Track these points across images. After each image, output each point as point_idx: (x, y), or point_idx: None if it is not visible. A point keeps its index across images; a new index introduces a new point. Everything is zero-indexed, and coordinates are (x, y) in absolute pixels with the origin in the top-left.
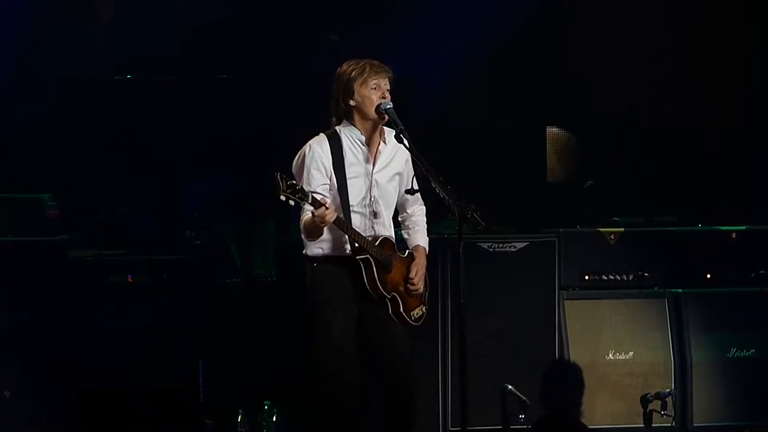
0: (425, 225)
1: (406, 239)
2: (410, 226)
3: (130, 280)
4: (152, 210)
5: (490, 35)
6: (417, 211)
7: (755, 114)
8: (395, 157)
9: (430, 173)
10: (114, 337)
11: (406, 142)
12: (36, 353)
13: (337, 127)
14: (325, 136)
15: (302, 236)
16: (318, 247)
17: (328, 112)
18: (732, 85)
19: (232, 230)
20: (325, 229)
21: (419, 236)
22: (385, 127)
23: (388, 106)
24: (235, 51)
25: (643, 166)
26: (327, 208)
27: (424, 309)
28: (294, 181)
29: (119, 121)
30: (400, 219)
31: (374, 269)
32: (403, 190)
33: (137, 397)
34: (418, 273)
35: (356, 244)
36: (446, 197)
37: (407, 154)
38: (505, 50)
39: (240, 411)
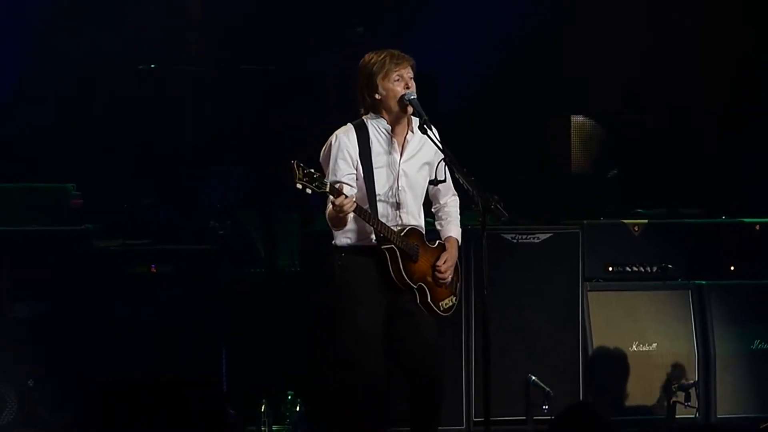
0: (458, 216)
1: (439, 230)
2: (443, 217)
3: (153, 269)
4: (176, 200)
5: (515, 25)
6: (450, 202)
7: None
8: (423, 147)
9: (454, 164)
10: (137, 326)
11: (430, 132)
12: (59, 342)
13: (364, 117)
14: (351, 126)
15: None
16: (346, 237)
17: (353, 103)
18: (760, 71)
19: (255, 220)
20: (351, 219)
21: (451, 227)
22: (414, 117)
23: (412, 97)
24: (262, 42)
25: (669, 157)
26: (346, 197)
27: (454, 300)
28: (312, 170)
29: (143, 111)
30: (433, 210)
31: (399, 259)
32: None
33: (160, 387)
34: (447, 262)
35: (380, 234)
36: (470, 188)
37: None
38: (530, 41)
39: (263, 401)
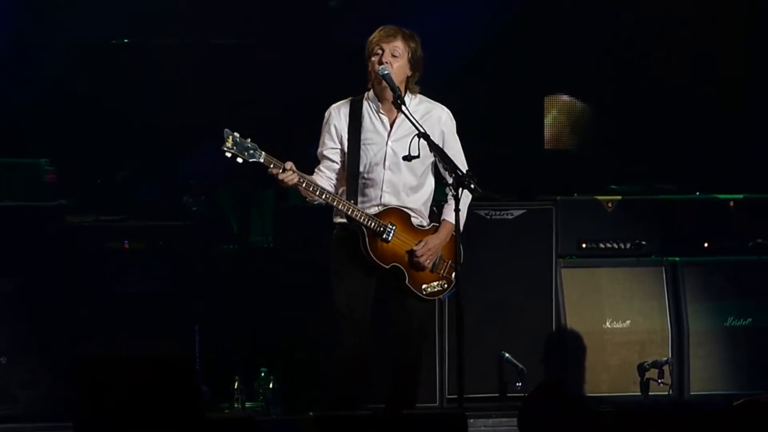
0: (464, 201)
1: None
2: (447, 201)
3: (126, 246)
4: (150, 176)
5: (495, 4)
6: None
7: (758, 81)
8: (418, 127)
9: (428, 140)
10: (111, 302)
11: (404, 108)
12: (33, 319)
13: (366, 93)
14: (348, 101)
15: None
16: (337, 215)
17: (336, 79)
18: (736, 50)
19: (230, 197)
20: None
21: (449, 210)
22: (418, 96)
23: (385, 72)
24: (239, 16)
25: (644, 132)
26: (285, 171)
27: (444, 285)
28: (247, 140)
29: (118, 86)
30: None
31: (366, 237)
32: (430, 161)
33: (133, 363)
34: (425, 246)
35: (348, 211)
36: (443, 164)
37: (439, 128)
38: (508, 20)
39: (236, 377)
